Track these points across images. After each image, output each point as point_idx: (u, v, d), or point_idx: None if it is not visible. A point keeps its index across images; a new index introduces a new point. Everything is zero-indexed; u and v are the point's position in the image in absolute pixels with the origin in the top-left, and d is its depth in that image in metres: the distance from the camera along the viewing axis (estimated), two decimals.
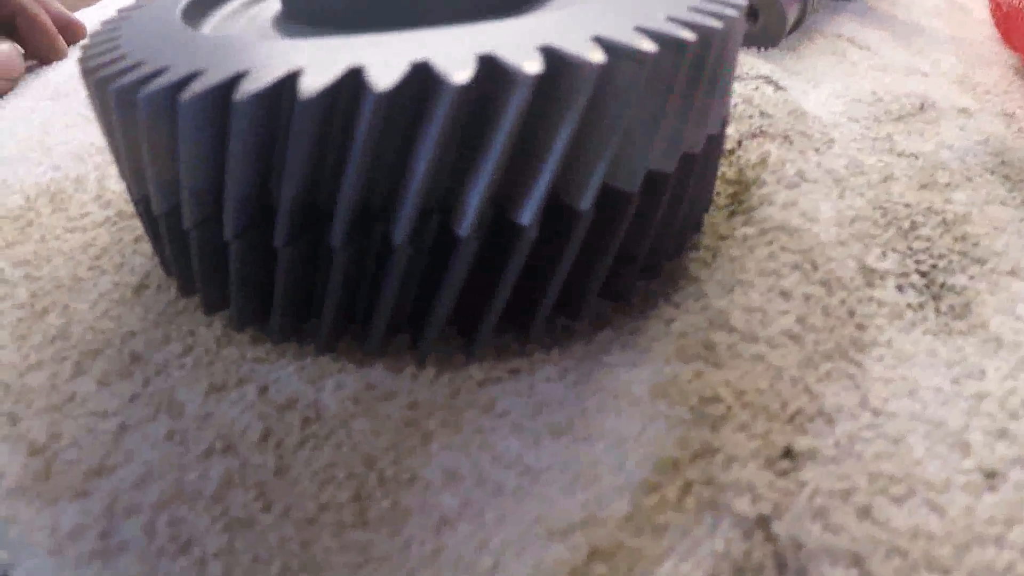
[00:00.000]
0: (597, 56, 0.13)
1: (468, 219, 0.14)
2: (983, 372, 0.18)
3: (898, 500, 0.14)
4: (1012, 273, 0.21)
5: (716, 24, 0.15)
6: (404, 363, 0.17)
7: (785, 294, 0.18)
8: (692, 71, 0.15)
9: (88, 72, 0.17)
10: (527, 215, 0.14)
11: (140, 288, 0.22)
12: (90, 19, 0.43)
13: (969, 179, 0.25)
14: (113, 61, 0.16)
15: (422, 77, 0.13)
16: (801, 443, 0.14)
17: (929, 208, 0.23)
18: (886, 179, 0.25)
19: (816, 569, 0.12)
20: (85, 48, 0.18)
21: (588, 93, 0.13)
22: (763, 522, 0.13)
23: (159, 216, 0.18)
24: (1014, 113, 0.29)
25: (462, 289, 0.16)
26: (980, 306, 0.20)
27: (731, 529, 0.12)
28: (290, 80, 0.14)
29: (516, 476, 0.14)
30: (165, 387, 0.18)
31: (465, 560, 0.12)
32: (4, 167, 0.29)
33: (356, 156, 0.13)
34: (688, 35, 0.14)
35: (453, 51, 0.13)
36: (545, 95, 0.13)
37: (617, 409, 0.15)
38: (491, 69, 0.13)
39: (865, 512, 0.14)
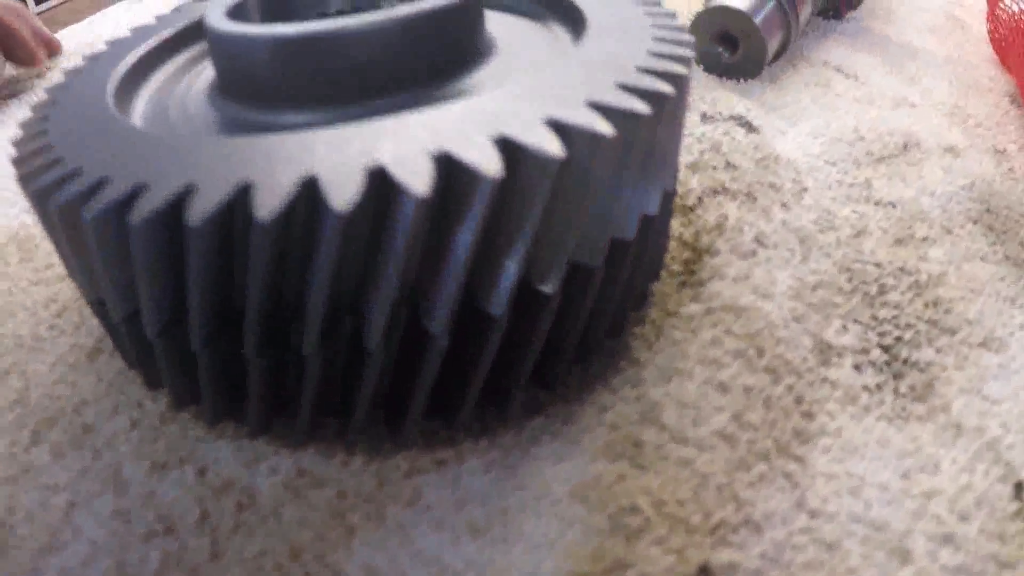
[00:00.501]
0: (555, 148, 0.13)
1: (440, 314, 0.14)
2: (937, 465, 0.17)
3: None
4: (983, 345, 0.20)
5: (668, 90, 0.15)
6: (335, 449, 0.17)
7: (723, 387, 0.17)
8: (647, 137, 0.15)
9: (25, 179, 0.17)
10: (497, 305, 0.14)
11: (95, 352, 0.22)
12: (76, 36, 0.44)
13: (949, 231, 0.24)
14: (49, 166, 0.16)
15: (380, 183, 0.13)
16: (720, 557, 0.14)
17: (901, 268, 0.23)
18: (858, 234, 0.24)
19: None
20: (18, 145, 0.18)
21: (550, 182, 0.13)
22: None
23: (118, 322, 0.18)
24: (1005, 150, 0.28)
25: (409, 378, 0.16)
26: (944, 384, 0.19)
27: None
28: (242, 196, 0.14)
29: None
30: (112, 462, 0.18)
31: None
32: None
33: (320, 269, 0.14)
34: (642, 107, 0.14)
35: (408, 149, 0.14)
36: (507, 189, 0.13)
37: (537, 511, 0.15)
38: (451, 168, 0.13)
39: None
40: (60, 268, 0.25)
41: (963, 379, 0.19)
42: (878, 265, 0.23)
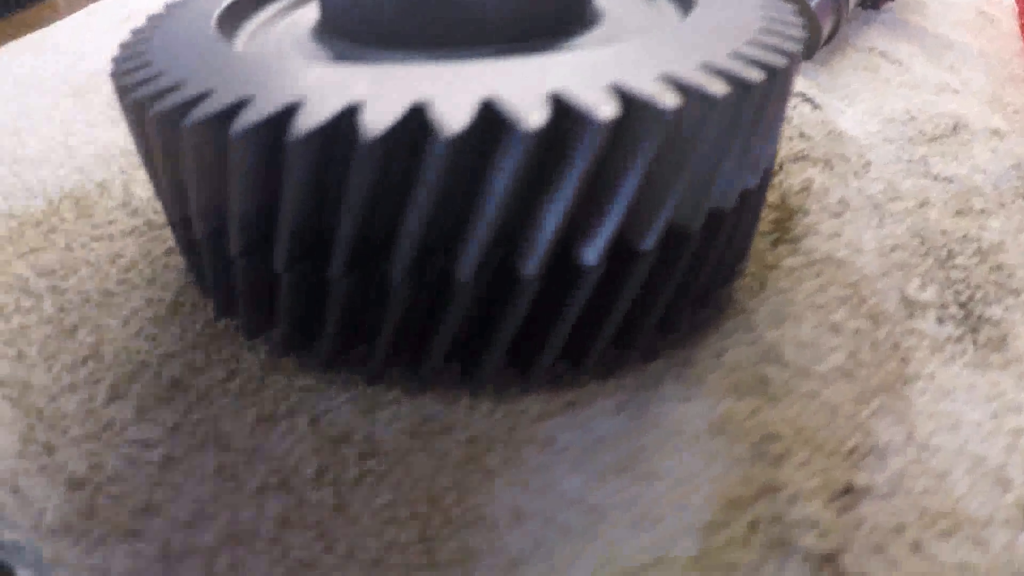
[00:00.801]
0: (671, 100, 0.13)
1: (535, 259, 0.14)
2: (1020, 407, 0.19)
3: (945, 535, 0.16)
4: None
5: (781, 62, 0.16)
6: (458, 395, 0.18)
7: (835, 328, 0.19)
8: (756, 108, 0.16)
9: (123, 91, 0.17)
10: (593, 255, 0.15)
11: (175, 306, 0.22)
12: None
13: (1003, 205, 0.26)
14: (149, 79, 0.16)
15: (489, 116, 0.13)
16: (859, 479, 0.15)
17: (965, 236, 0.25)
18: (922, 205, 0.26)
19: None
20: (117, 61, 0.18)
21: (660, 135, 0.13)
22: (831, 558, 0.14)
23: (200, 239, 0.18)
24: None
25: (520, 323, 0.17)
26: (1015, 339, 0.21)
27: (800, 566, 0.14)
28: (348, 115, 0.13)
29: (581, 515, 0.15)
30: (209, 416, 0.18)
31: None
32: (26, 168, 0.29)
33: (421, 197, 0.14)
34: (756, 75, 0.15)
35: (520, 86, 0.14)
36: (617, 137, 0.14)
37: (676, 447, 0.16)
38: (563, 110, 0.13)
39: (916, 547, 0.15)
40: (122, 223, 0.25)
41: None
42: (944, 233, 0.25)
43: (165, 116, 0.15)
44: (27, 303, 0.22)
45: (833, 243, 0.22)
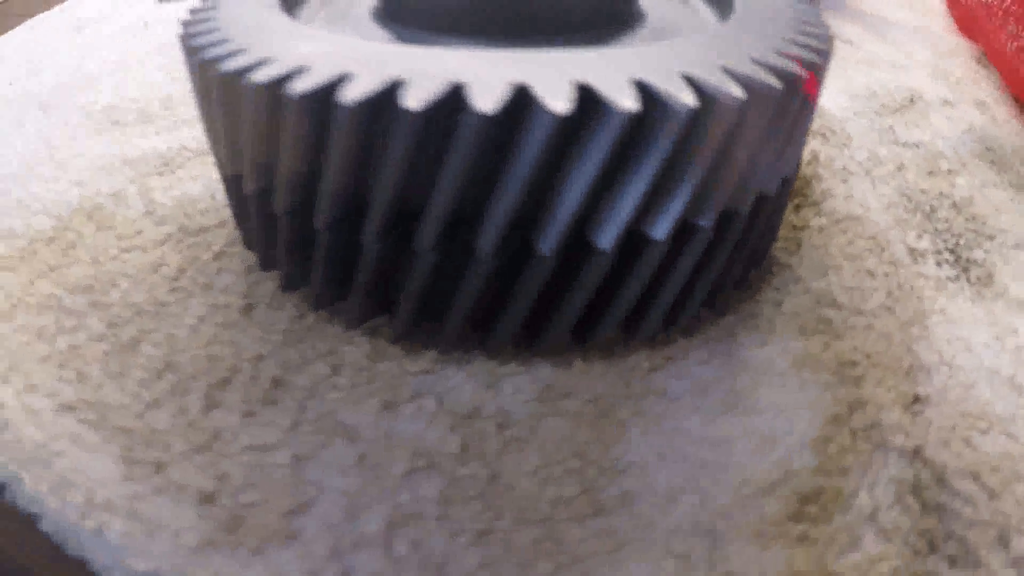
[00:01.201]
0: (737, 92, 0.16)
1: (609, 233, 0.17)
2: (1016, 330, 0.23)
3: (984, 432, 0.20)
4: (1017, 246, 0.27)
5: (818, 59, 0.19)
6: (569, 360, 0.20)
7: (870, 273, 0.23)
8: (798, 104, 0.19)
9: (191, 51, 0.19)
10: (661, 231, 0.17)
11: (247, 309, 0.22)
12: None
13: (964, 165, 0.31)
14: (216, 43, 0.18)
15: (520, 100, 0.15)
16: (919, 392, 0.19)
17: (940, 193, 0.29)
18: (900, 168, 0.31)
19: (954, 482, 0.17)
20: (187, 25, 0.20)
21: (725, 127, 0.16)
22: (917, 452, 0.18)
23: (249, 196, 0.20)
24: (985, 102, 0.36)
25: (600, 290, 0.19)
26: (998, 275, 0.25)
27: (898, 460, 0.17)
28: (393, 89, 0.15)
29: (711, 449, 0.18)
30: (326, 411, 0.19)
31: (703, 524, 0.17)
32: (12, 186, 0.28)
33: (451, 170, 0.15)
34: (801, 72, 0.18)
35: (553, 77, 0.15)
36: (689, 125, 0.16)
37: (769, 383, 0.20)
38: (587, 99, 0.15)
39: (968, 442, 0.19)
40: (152, 232, 0.25)
41: (1011, 271, 0.26)
42: (923, 192, 0.29)
43: (228, 77, 0.17)
44: (69, 322, 0.22)
45: (849, 204, 0.26)
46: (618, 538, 0.16)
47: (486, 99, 0.15)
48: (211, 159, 0.30)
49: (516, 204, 0.16)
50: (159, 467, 0.18)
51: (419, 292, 0.18)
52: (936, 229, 0.28)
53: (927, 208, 0.29)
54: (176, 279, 0.23)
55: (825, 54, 0.20)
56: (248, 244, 0.23)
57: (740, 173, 0.18)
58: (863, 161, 0.30)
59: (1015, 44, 0.35)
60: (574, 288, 0.18)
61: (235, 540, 0.16)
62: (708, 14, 0.24)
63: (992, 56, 0.39)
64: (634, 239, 0.18)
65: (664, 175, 0.17)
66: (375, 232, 0.17)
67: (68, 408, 0.19)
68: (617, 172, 0.17)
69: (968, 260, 0.26)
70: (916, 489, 0.17)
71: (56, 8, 0.46)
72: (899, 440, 0.18)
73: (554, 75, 0.16)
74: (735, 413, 0.19)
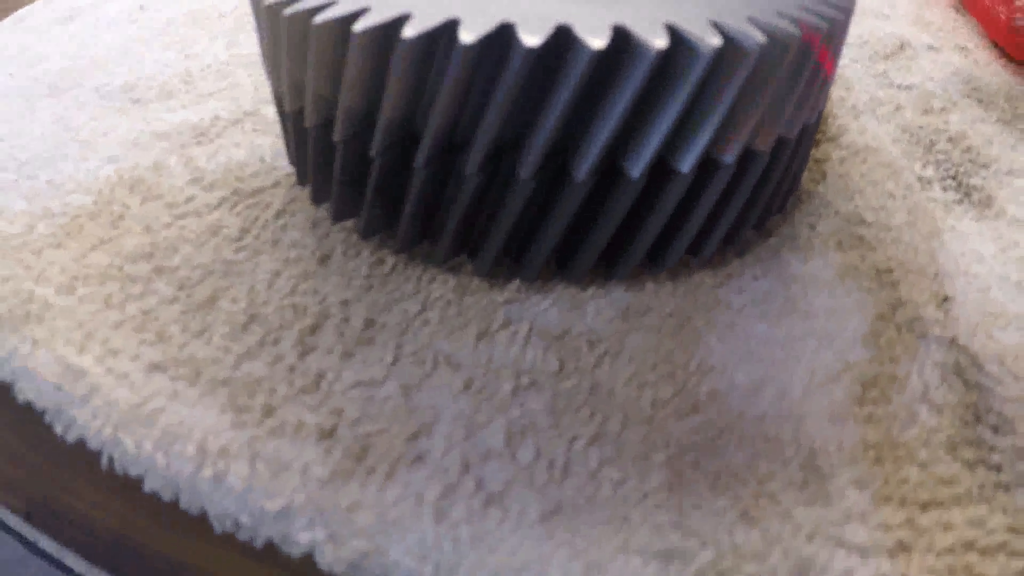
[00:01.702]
0: (758, 37, 0.18)
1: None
2: (1017, 243, 0.27)
3: (1003, 328, 0.23)
4: (1010, 173, 0.30)
5: (840, 16, 0.22)
6: (641, 283, 0.23)
7: (891, 195, 0.26)
8: (815, 57, 0.21)
9: None
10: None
11: (323, 259, 0.24)
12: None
13: (955, 104, 0.35)
14: None
15: (563, 38, 0.18)
16: (948, 291, 0.22)
17: (936, 129, 0.33)
18: (898, 108, 0.34)
19: (986, 366, 0.20)
20: None
21: (748, 70, 0.18)
22: (953, 341, 0.21)
23: (310, 128, 0.22)
24: (966, 47, 0.39)
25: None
26: (996, 198, 0.29)
27: (939, 347, 0.20)
28: (449, 27, 0.18)
29: (780, 348, 0.21)
30: (421, 345, 0.21)
31: (784, 411, 0.19)
32: (39, 169, 0.28)
33: (497, 101, 0.18)
34: (824, 25, 0.20)
35: (593, 17, 0.18)
36: (714, 68, 0.18)
37: (818, 291, 0.23)
38: (622, 40, 0.18)
39: (989, 335, 0.22)
40: (204, 198, 0.26)
41: (1006, 194, 0.29)
42: (920, 128, 0.32)
43: (296, 18, 0.20)
44: (135, 289, 0.23)
45: (864, 137, 0.29)
46: (716, 428, 0.19)
47: (532, 36, 0.17)
48: (249, 125, 0.32)
49: (555, 133, 0.19)
50: (268, 411, 0.19)
51: (461, 218, 0.21)
52: (937, 160, 0.31)
53: (927, 142, 0.32)
54: (240, 239, 0.24)
55: (847, 11, 0.22)
56: (301, 178, 0.25)
57: (772, 116, 0.20)
58: (867, 101, 0.34)
59: None
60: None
61: (365, 468, 0.18)
62: None
63: (967, 3, 0.43)
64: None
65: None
66: (424, 159, 0.20)
67: (157, 368, 0.21)
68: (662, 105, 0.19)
69: (969, 186, 0.30)
70: (958, 370, 0.20)
71: (39, 1, 0.46)
72: (937, 331, 0.21)
73: (594, 16, 0.18)
74: (793, 318, 0.22)
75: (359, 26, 0.18)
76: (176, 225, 0.25)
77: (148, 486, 0.18)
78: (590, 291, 0.23)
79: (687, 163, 0.20)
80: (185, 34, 0.42)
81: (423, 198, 0.21)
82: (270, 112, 0.33)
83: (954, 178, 0.31)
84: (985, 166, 0.31)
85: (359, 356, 0.20)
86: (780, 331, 0.22)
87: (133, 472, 0.19)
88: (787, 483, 0.18)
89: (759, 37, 0.18)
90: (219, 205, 0.26)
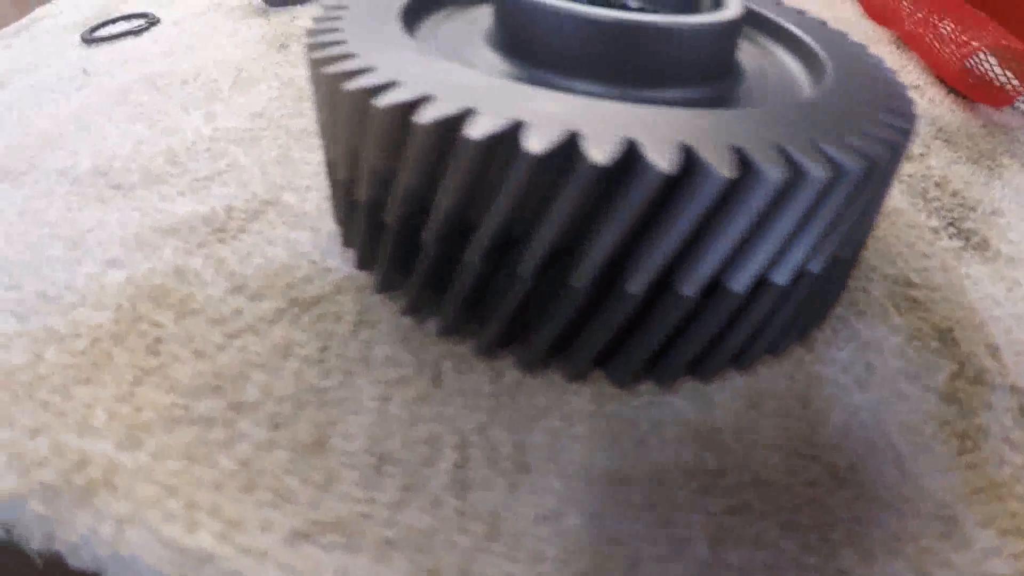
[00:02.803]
0: (822, 170, 0.23)
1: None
2: (1018, 281, 0.33)
3: None
4: (994, 213, 0.37)
5: (901, 140, 0.24)
6: (749, 368, 0.27)
7: (926, 255, 0.33)
8: (876, 185, 0.25)
9: (317, 63, 0.23)
10: (741, 286, 0.23)
11: (436, 379, 0.25)
12: None
13: (928, 147, 0.42)
14: (343, 57, 0.23)
15: (629, 154, 0.19)
16: (992, 340, 0.29)
17: (923, 176, 0.40)
18: None
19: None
20: (312, 34, 0.25)
21: (811, 197, 0.22)
22: (1014, 385, 0.27)
23: (361, 201, 0.24)
24: (919, 85, 0.47)
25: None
26: (990, 240, 0.36)
27: (1003, 393, 0.27)
28: (516, 129, 0.19)
29: (879, 414, 0.27)
30: (582, 462, 0.23)
31: (906, 469, 0.25)
32: (22, 274, 0.26)
33: (559, 210, 0.20)
34: (882, 153, 0.23)
35: (660, 134, 0.20)
36: (779, 194, 0.21)
37: (891, 355, 0.29)
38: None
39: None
40: (254, 310, 0.26)
41: (995, 234, 0.36)
42: (910, 176, 0.39)
43: (357, 95, 0.21)
44: (217, 434, 0.22)
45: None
46: (864, 499, 0.24)
47: (600, 150, 0.19)
48: (273, 216, 0.32)
49: (613, 248, 0.20)
50: (464, 571, 0.19)
51: (511, 312, 0.23)
52: (935, 208, 0.38)
53: (920, 190, 0.39)
54: (321, 360, 0.24)
55: (908, 133, 0.25)
56: (347, 241, 0.27)
57: (815, 240, 0.23)
58: None
59: (933, 31, 0.46)
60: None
61: None
62: (799, 72, 0.31)
63: (909, 41, 0.51)
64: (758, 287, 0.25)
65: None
66: (479, 254, 0.22)
67: (300, 536, 0.20)
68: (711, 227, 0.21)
69: (967, 231, 0.37)
70: (1022, 411, 0.27)
71: None
72: (999, 380, 0.27)
73: (661, 133, 0.20)
74: (879, 383, 0.27)
75: (423, 119, 0.19)
76: (233, 347, 0.25)
77: None
78: (714, 384, 0.27)
79: (741, 284, 0.22)
80: (148, 103, 0.41)
81: (474, 288, 0.22)
82: (292, 199, 0.33)
83: (952, 224, 0.37)
84: (973, 208, 0.39)
85: (525, 487, 0.21)
86: (874, 397, 0.27)
87: None
88: (935, 535, 0.23)
89: (823, 170, 0.20)
90: (277, 319, 0.26)
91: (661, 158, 0.18)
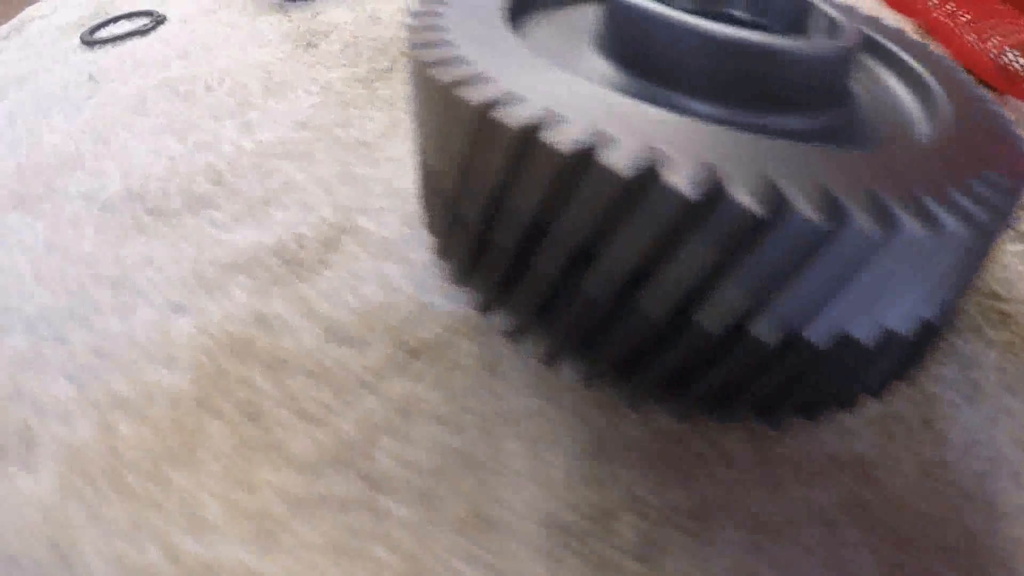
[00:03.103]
0: (920, 230, 0.19)
1: (821, 330, 0.22)
2: None
3: None
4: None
5: (1008, 204, 0.21)
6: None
7: (1003, 264, 0.33)
8: (979, 247, 0.23)
9: (421, 65, 0.22)
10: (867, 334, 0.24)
11: (600, 438, 0.24)
12: None
13: None
14: (453, 61, 0.22)
15: (776, 200, 0.18)
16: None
17: None
18: None
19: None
20: (412, 31, 0.23)
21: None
22: None
23: (470, 219, 0.22)
24: None
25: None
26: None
27: None
28: (656, 164, 0.18)
29: (989, 430, 0.27)
30: (733, 507, 0.23)
31: None
32: (65, 323, 0.23)
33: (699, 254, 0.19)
34: (984, 217, 0.20)
35: (805, 182, 0.18)
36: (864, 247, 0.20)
37: (991, 369, 0.29)
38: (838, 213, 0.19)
39: None
40: (360, 360, 0.23)
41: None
42: None
43: (475, 109, 0.20)
44: (361, 520, 0.21)
45: None
46: (992, 510, 0.25)
47: (749, 197, 0.18)
48: (353, 245, 0.29)
49: (745, 296, 0.19)
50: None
51: (623, 349, 0.22)
52: None
53: None
54: (451, 416, 0.22)
55: (1016, 196, 0.22)
56: (442, 254, 0.25)
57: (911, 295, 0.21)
58: None
59: (961, 19, 0.47)
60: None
61: None
62: (912, 104, 0.29)
63: (933, 31, 0.51)
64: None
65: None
66: (600, 288, 0.20)
67: None
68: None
69: (1019, 231, 0.38)
70: None
71: None
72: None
73: (799, 170, 0.19)
74: (984, 398, 0.28)
75: (562, 145, 0.18)
76: (359, 407, 0.22)
77: None
78: (851, 413, 0.27)
79: (867, 334, 0.22)
80: (172, 113, 0.38)
81: (593, 321, 0.21)
82: (368, 224, 0.31)
83: (1011, 227, 0.38)
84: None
85: (716, 543, 0.20)
86: (983, 413, 0.28)
87: None
88: None
89: (920, 230, 0.18)
90: (387, 370, 0.23)
91: (811, 209, 0.17)
